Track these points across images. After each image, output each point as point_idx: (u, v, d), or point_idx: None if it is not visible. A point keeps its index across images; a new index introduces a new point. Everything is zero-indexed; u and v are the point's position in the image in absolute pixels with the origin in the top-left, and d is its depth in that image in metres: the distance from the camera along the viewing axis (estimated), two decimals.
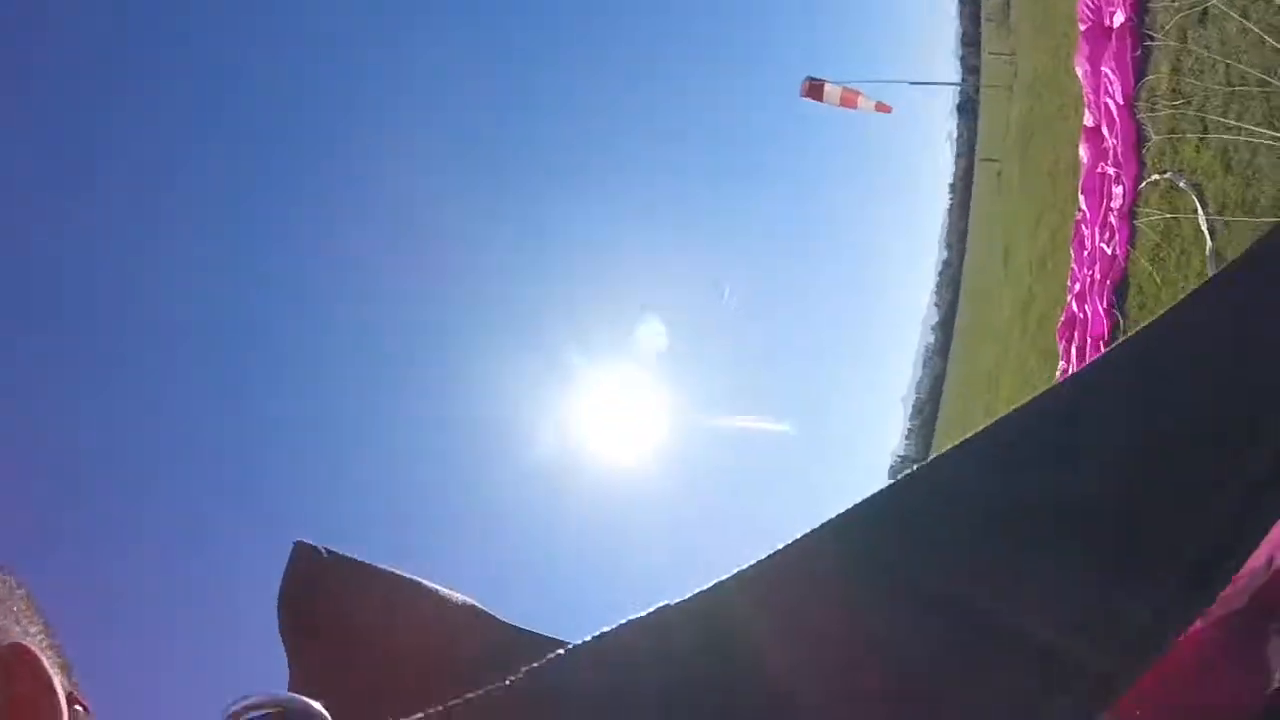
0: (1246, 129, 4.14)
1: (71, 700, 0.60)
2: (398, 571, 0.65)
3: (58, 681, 0.59)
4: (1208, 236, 4.90)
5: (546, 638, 0.65)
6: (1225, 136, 4.50)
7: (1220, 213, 4.75)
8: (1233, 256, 3.64)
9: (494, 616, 0.66)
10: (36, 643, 0.62)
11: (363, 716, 0.54)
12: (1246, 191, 4.31)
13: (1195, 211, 5.16)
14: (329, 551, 0.65)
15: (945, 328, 42.87)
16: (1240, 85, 4.25)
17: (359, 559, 0.66)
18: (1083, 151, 8.69)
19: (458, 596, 0.66)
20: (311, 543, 0.65)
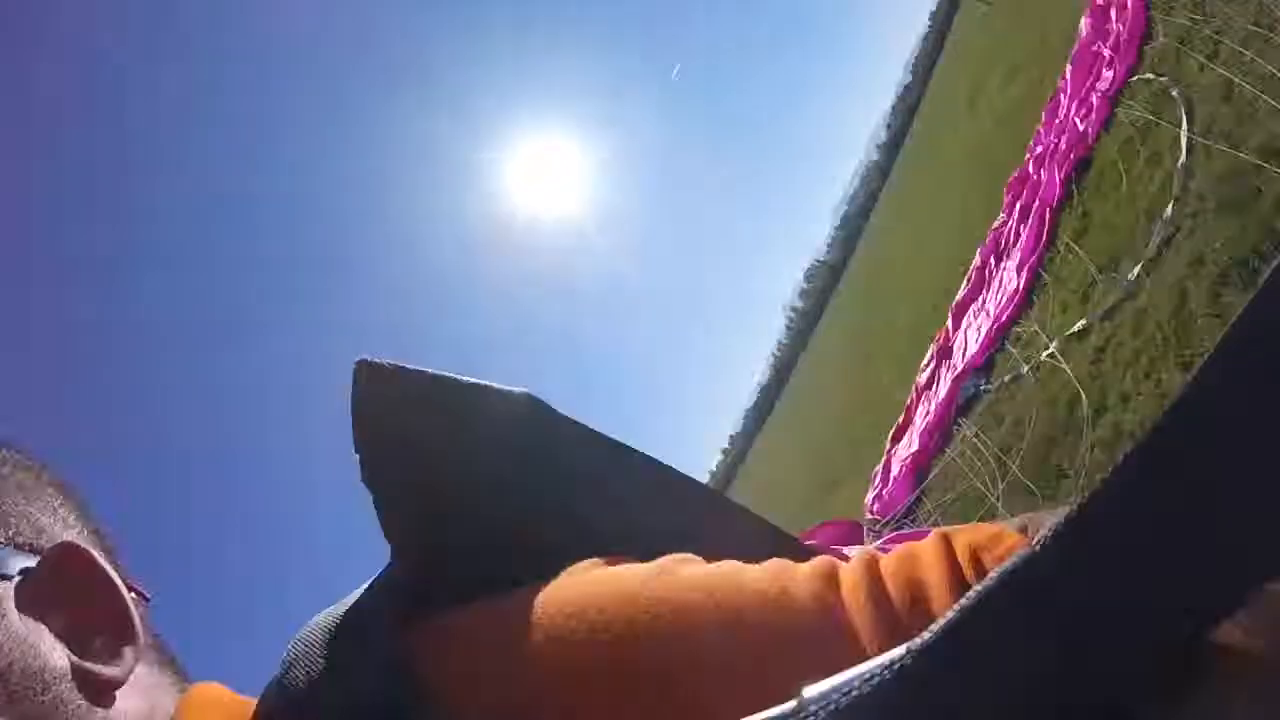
0: (1259, 70, 4.22)
1: (128, 589, 0.57)
2: (456, 375, 0.59)
3: (113, 573, 0.56)
4: (1184, 151, 5.01)
5: (603, 436, 0.62)
6: (1235, 69, 4.55)
7: (1205, 136, 4.94)
8: (1201, 179, 3.83)
9: (550, 407, 0.61)
10: (81, 536, 0.59)
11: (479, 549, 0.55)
12: (1237, 128, 4.43)
13: (1180, 123, 5.30)
14: (393, 365, 0.58)
15: (891, 150, 42.64)
16: (1267, 30, 4.29)
17: (422, 368, 0.58)
18: (1083, 24, 8.59)
19: (515, 389, 0.60)
20: (372, 359, 0.57)
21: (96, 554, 0.55)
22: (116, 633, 0.55)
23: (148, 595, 0.62)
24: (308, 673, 0.50)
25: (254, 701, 0.55)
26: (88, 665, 0.51)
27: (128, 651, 0.54)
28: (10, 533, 0.54)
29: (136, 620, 0.56)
